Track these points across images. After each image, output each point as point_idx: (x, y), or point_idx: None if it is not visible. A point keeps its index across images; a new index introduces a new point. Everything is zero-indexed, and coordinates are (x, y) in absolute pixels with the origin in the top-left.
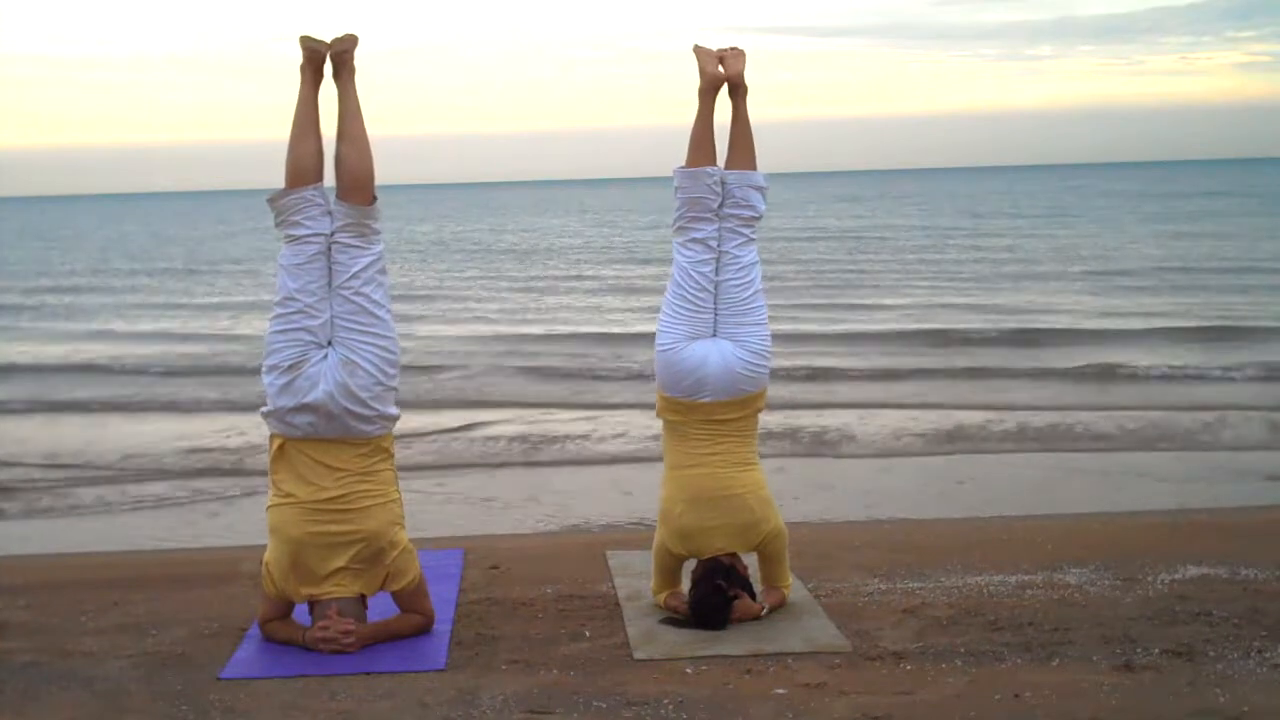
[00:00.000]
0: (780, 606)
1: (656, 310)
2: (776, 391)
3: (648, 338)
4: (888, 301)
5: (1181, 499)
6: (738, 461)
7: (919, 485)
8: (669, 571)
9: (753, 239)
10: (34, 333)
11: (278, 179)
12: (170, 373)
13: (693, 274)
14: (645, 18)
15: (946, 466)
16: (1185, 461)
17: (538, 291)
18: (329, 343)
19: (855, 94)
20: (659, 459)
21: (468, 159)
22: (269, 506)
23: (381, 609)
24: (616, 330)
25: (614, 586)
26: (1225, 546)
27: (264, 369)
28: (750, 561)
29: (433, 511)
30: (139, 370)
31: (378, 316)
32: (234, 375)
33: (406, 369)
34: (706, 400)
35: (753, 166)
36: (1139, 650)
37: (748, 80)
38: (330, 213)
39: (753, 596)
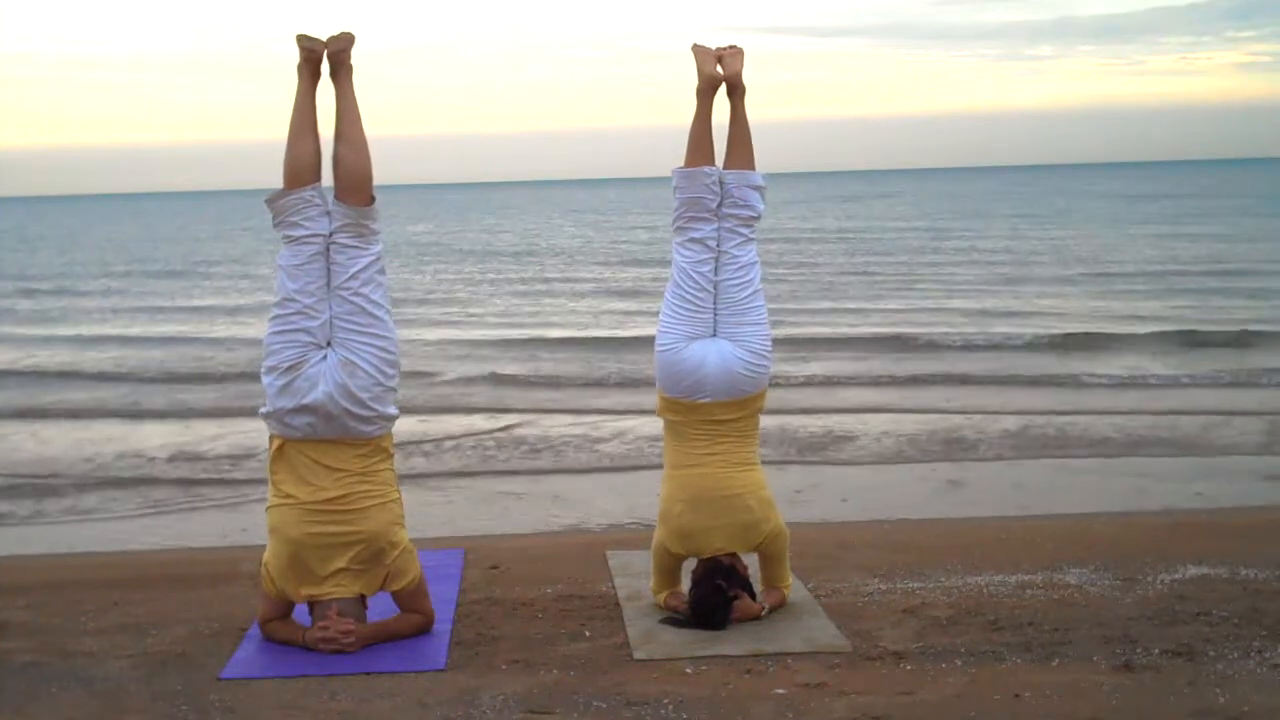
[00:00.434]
0: (780, 606)
1: (653, 313)
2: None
3: (643, 341)
4: (861, 306)
5: (1181, 499)
6: (738, 461)
7: (918, 487)
8: (669, 571)
9: (751, 239)
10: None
11: (277, 179)
12: (129, 377)
13: (692, 274)
14: (645, 18)
15: (944, 470)
16: (1183, 463)
17: (534, 294)
18: (328, 343)
19: (855, 94)
20: (659, 460)
21: (468, 159)
22: (268, 507)
23: (381, 609)
24: (615, 334)
25: (614, 586)
26: (1225, 546)
27: (263, 370)
28: (750, 561)
29: (432, 512)
30: (102, 376)
31: (377, 317)
32: (185, 381)
33: (403, 373)
34: (706, 400)
35: (751, 166)
36: (1139, 650)
37: (746, 80)
38: (329, 213)
39: (753, 596)
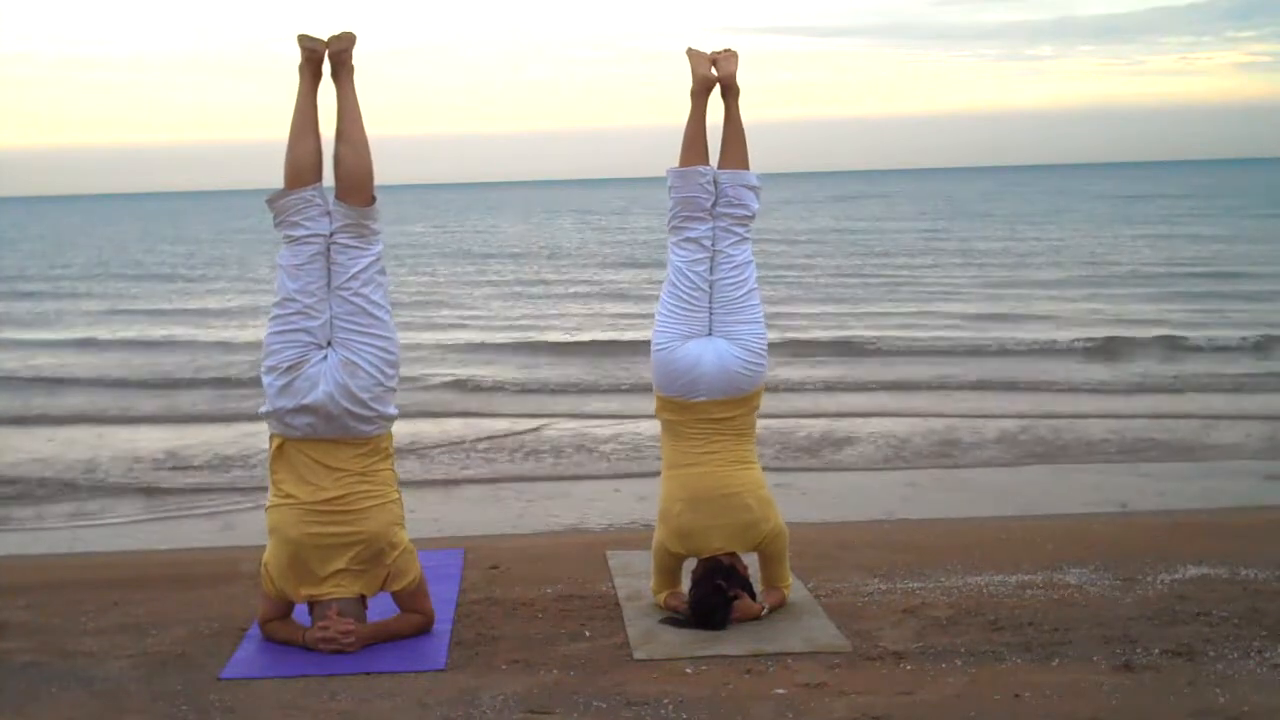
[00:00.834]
0: (780, 606)
1: (648, 316)
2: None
3: (637, 345)
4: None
5: (1181, 499)
6: (736, 460)
7: (917, 489)
8: (669, 571)
9: (747, 238)
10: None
11: (278, 179)
12: (116, 383)
13: (687, 273)
14: (645, 18)
15: (941, 474)
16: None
17: (532, 298)
18: (328, 343)
19: (855, 94)
20: (657, 462)
21: (467, 159)
22: (268, 507)
23: (381, 609)
24: (613, 338)
25: (614, 586)
26: (1225, 546)
27: (263, 369)
28: (750, 561)
29: (433, 512)
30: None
31: (377, 317)
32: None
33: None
34: (702, 399)
35: (745, 166)
36: (1139, 650)
37: (748, 79)
38: (329, 213)
39: (753, 596)
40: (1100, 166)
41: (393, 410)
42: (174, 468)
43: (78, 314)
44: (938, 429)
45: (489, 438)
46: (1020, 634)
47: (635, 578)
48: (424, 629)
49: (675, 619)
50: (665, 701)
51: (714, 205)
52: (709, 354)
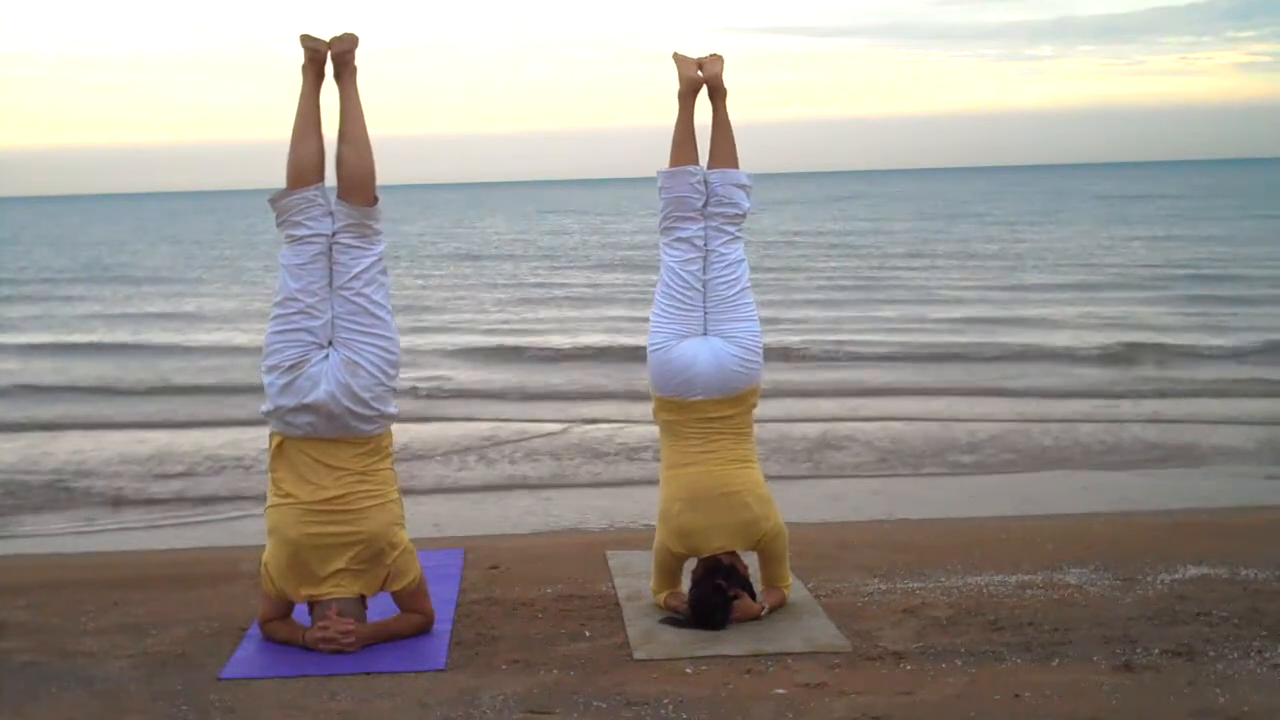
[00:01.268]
0: (780, 606)
1: (642, 320)
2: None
3: (628, 351)
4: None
5: (1181, 500)
6: (734, 459)
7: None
8: (669, 571)
9: (738, 236)
10: None
11: (278, 179)
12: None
13: (680, 273)
14: (645, 18)
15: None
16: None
17: (527, 302)
18: (329, 343)
19: (855, 94)
20: (656, 464)
21: (467, 159)
22: (268, 507)
23: (381, 609)
24: (606, 341)
25: (614, 586)
26: (1225, 546)
27: (264, 369)
28: (750, 561)
29: (432, 512)
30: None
31: (379, 317)
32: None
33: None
34: (699, 398)
35: (735, 165)
36: (1139, 650)
37: (745, 80)
38: (331, 213)
39: (753, 596)
40: (1100, 166)
41: (393, 410)
42: (138, 479)
43: (44, 318)
44: (933, 433)
45: (490, 438)
46: (1020, 634)
47: (635, 578)
48: (424, 629)
49: (675, 619)
50: (665, 701)
51: (705, 205)
52: (704, 353)
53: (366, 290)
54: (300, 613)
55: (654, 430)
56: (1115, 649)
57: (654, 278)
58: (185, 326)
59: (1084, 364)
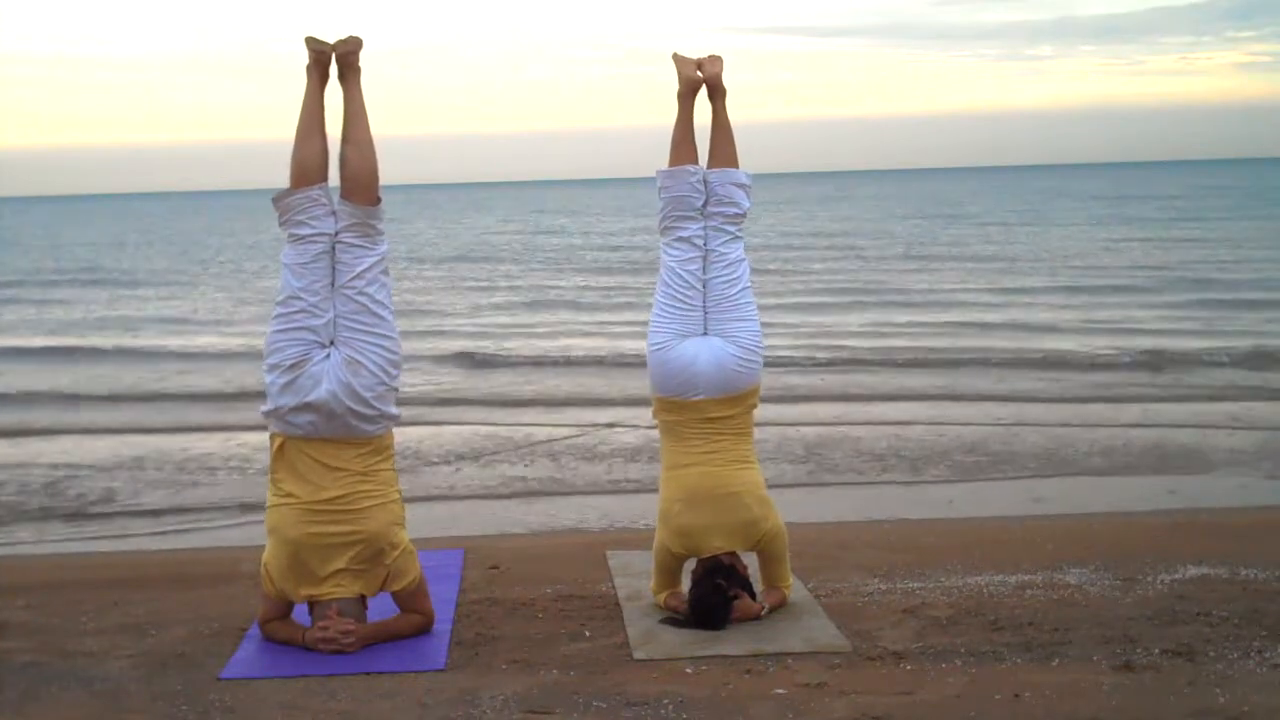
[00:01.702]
0: (780, 606)
1: (636, 324)
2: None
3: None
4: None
5: (1181, 499)
6: (735, 459)
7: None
8: (669, 571)
9: (739, 236)
10: None
11: (278, 179)
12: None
13: (680, 273)
14: (646, 18)
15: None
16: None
17: (523, 306)
18: (331, 342)
19: (855, 94)
20: (655, 465)
21: (467, 159)
22: (268, 507)
23: (381, 609)
24: (600, 345)
25: (614, 586)
26: (1225, 546)
27: (265, 367)
28: (750, 561)
29: (433, 512)
30: None
31: (380, 316)
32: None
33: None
34: (700, 398)
35: (734, 164)
36: (1139, 650)
37: (745, 80)
38: (334, 213)
39: (753, 596)
40: (1100, 166)
41: (394, 410)
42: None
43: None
44: (929, 438)
45: (488, 441)
46: (1020, 634)
47: (635, 578)
48: (424, 629)
49: (675, 619)
50: (665, 701)
51: (705, 204)
52: (705, 353)
53: (369, 289)
54: (300, 613)
55: (649, 435)
56: (1115, 649)
57: (642, 281)
58: (162, 331)
59: (1082, 368)
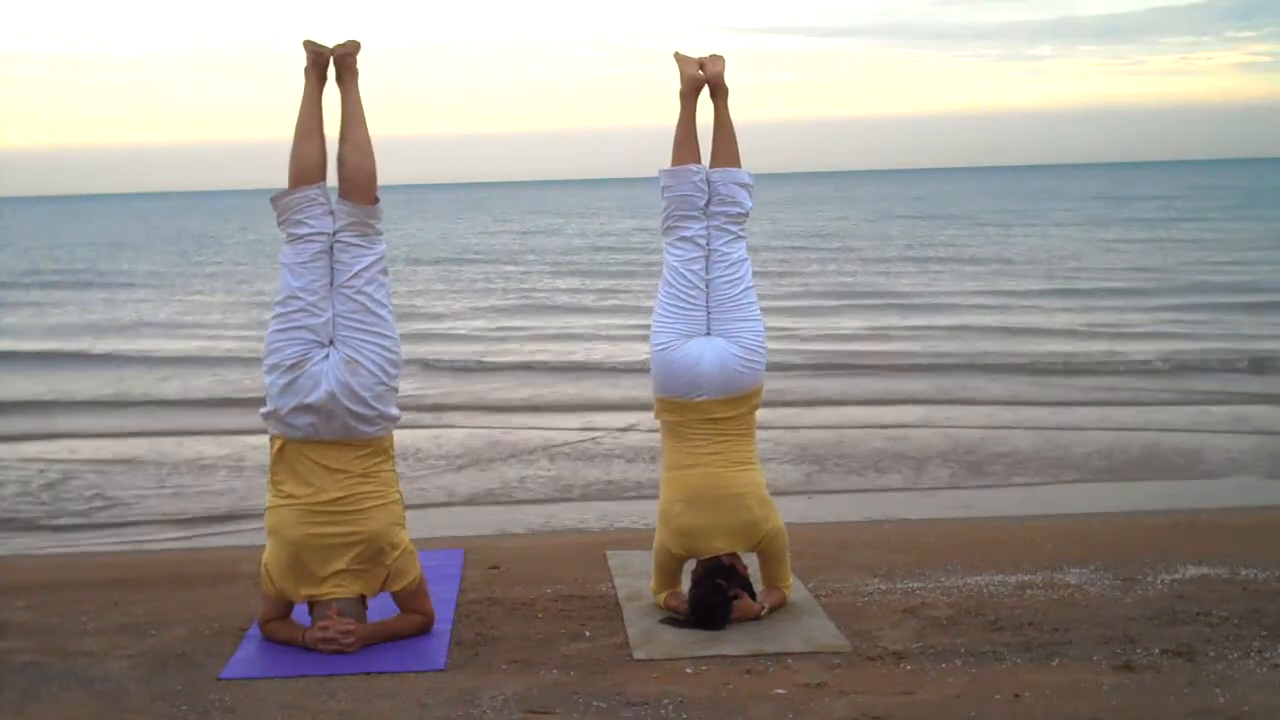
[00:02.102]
0: (780, 606)
1: (632, 327)
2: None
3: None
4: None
5: (1181, 500)
6: (737, 461)
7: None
8: (669, 572)
9: (741, 235)
10: None
11: (278, 179)
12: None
13: (683, 272)
14: (646, 18)
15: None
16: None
17: (533, 310)
18: (330, 342)
19: (855, 94)
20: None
21: (467, 159)
22: (268, 508)
23: (382, 609)
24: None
25: (614, 586)
26: (1225, 546)
27: (265, 369)
28: (750, 561)
29: (432, 513)
30: None
31: (379, 316)
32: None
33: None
34: (703, 399)
35: (737, 164)
36: (1139, 650)
37: (744, 80)
38: (332, 212)
39: (753, 596)
40: (1100, 166)
41: (394, 411)
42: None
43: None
44: (928, 440)
45: (488, 443)
46: (1020, 634)
47: (635, 578)
48: (424, 629)
49: (675, 619)
50: (665, 701)
51: (707, 204)
52: (708, 353)
53: (367, 289)
54: (300, 613)
55: (649, 437)
56: (1115, 649)
57: (639, 284)
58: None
59: (1081, 371)
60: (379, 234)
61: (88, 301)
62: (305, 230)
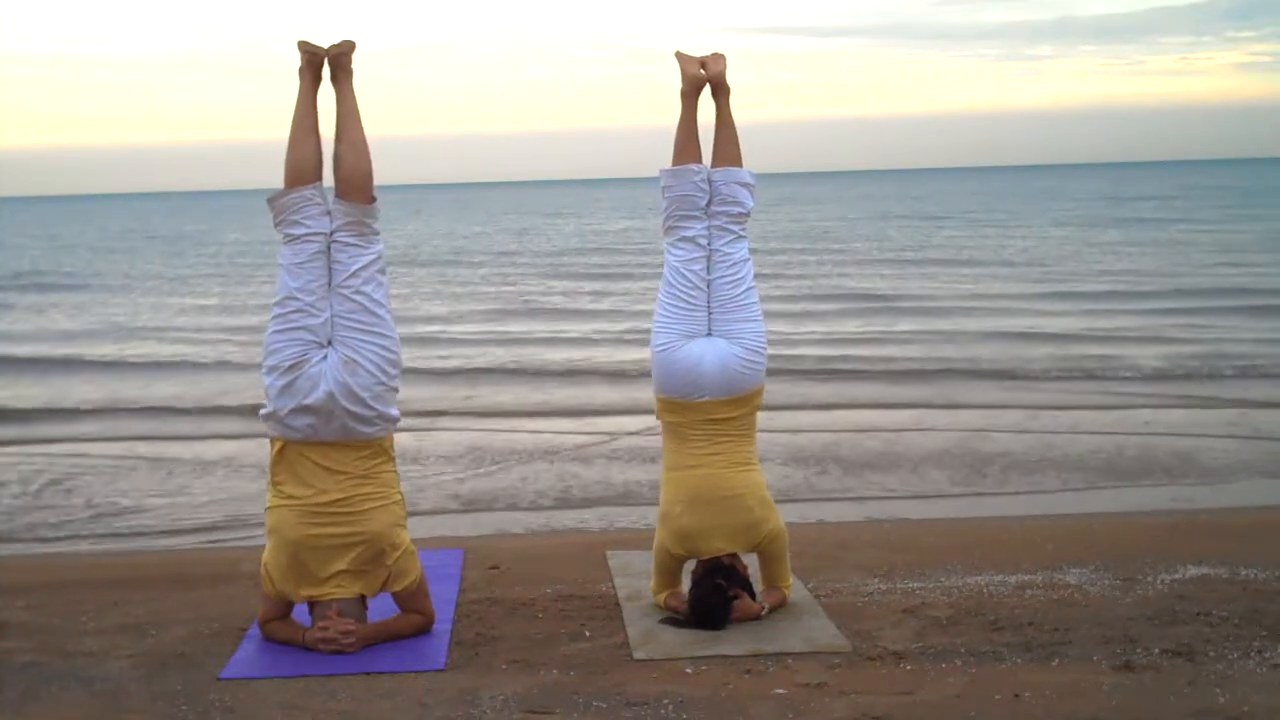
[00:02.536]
0: (780, 606)
1: (629, 330)
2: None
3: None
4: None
5: (1181, 499)
6: (737, 461)
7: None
8: (669, 572)
9: (743, 236)
10: None
11: (278, 179)
12: None
13: (684, 273)
14: (646, 18)
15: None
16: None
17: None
18: (329, 342)
19: (855, 94)
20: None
21: (467, 159)
22: (268, 508)
23: (382, 609)
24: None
25: (614, 586)
26: (1225, 546)
27: (264, 370)
28: (750, 561)
29: (431, 512)
30: None
31: (378, 315)
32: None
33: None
34: (704, 399)
35: (739, 163)
36: (1139, 650)
37: (744, 80)
38: (329, 212)
39: (753, 596)
40: (1100, 166)
41: (394, 412)
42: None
43: None
44: (928, 441)
45: (487, 445)
46: (1020, 634)
47: (635, 578)
48: (424, 629)
49: (675, 619)
50: (665, 701)
51: (709, 204)
52: (710, 354)
53: (365, 289)
54: (300, 613)
55: (649, 439)
56: (1115, 649)
57: (637, 286)
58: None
59: (1079, 374)
60: (376, 234)
61: (74, 305)
62: (302, 230)
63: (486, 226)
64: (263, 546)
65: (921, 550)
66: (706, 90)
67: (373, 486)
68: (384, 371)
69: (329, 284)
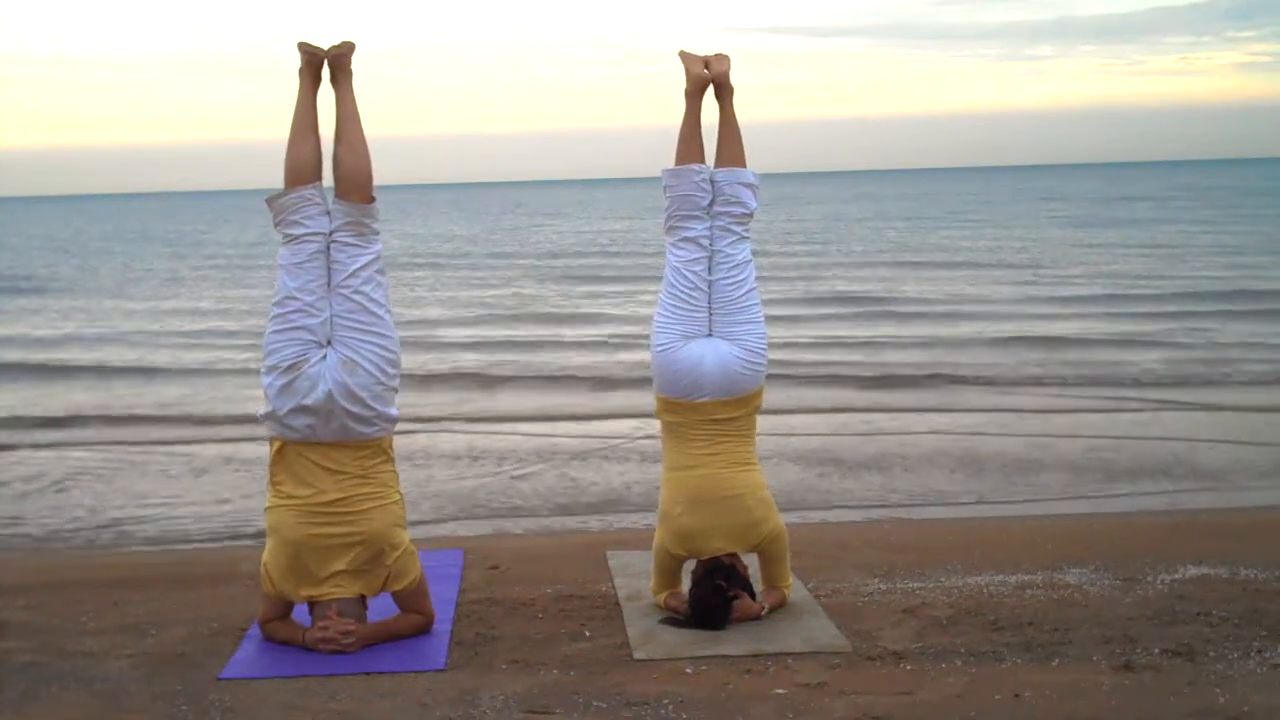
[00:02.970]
0: (780, 606)
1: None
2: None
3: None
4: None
5: (1181, 499)
6: (737, 462)
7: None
8: (669, 572)
9: (745, 236)
10: None
11: (278, 179)
12: None
13: (685, 273)
14: (646, 18)
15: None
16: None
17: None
18: (328, 342)
19: (855, 94)
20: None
21: (467, 159)
22: (268, 508)
23: (382, 609)
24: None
25: (614, 586)
26: (1225, 546)
27: (263, 370)
28: (750, 561)
29: (431, 511)
30: None
31: (377, 315)
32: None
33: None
34: (705, 400)
35: (742, 164)
36: (1139, 650)
37: (744, 80)
38: (329, 212)
39: (753, 596)
40: (1100, 166)
41: (393, 412)
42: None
43: None
44: (928, 443)
45: (488, 446)
46: (1020, 634)
47: (635, 578)
48: (424, 629)
49: (675, 619)
50: (665, 701)
51: (711, 204)
52: (710, 354)
53: (365, 288)
54: (300, 613)
55: (649, 440)
56: (1115, 649)
57: (637, 287)
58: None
59: (1078, 378)
60: (375, 233)
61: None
62: (301, 230)
63: (487, 227)
64: (262, 546)
65: (921, 550)
66: (710, 90)
67: (372, 486)
68: (383, 371)
69: (328, 284)
